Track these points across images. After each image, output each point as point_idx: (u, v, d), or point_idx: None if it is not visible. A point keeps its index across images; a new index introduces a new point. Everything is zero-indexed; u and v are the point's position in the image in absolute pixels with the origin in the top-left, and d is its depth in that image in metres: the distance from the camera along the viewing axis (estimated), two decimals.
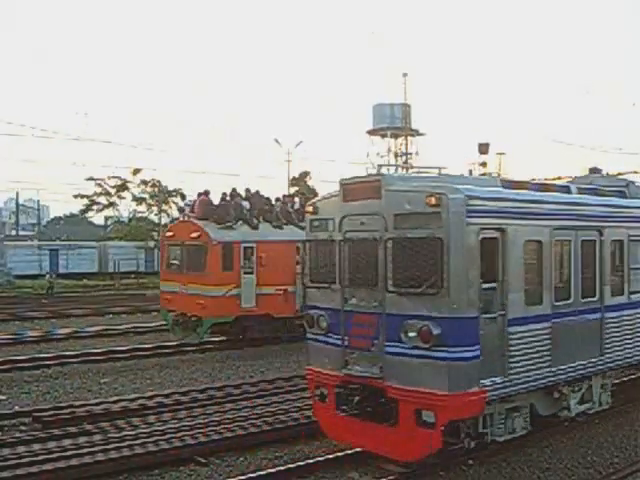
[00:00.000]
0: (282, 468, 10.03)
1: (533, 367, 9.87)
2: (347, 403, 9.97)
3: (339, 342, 9.93)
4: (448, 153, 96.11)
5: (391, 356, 9.25)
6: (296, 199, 24.54)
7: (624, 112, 78.16)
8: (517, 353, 9.61)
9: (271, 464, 10.33)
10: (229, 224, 20.95)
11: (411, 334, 9.02)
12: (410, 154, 64.08)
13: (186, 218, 22.52)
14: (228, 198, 21.83)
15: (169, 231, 23.43)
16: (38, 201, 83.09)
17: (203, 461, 10.47)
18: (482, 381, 9.06)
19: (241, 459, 10.66)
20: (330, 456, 10.50)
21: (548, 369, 10.12)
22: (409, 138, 64.00)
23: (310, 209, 10.79)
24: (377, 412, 9.63)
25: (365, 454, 10.55)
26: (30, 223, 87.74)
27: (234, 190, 22.41)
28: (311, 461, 10.31)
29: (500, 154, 51.62)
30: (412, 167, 63.03)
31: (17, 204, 79.88)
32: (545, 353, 10.07)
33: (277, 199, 23.63)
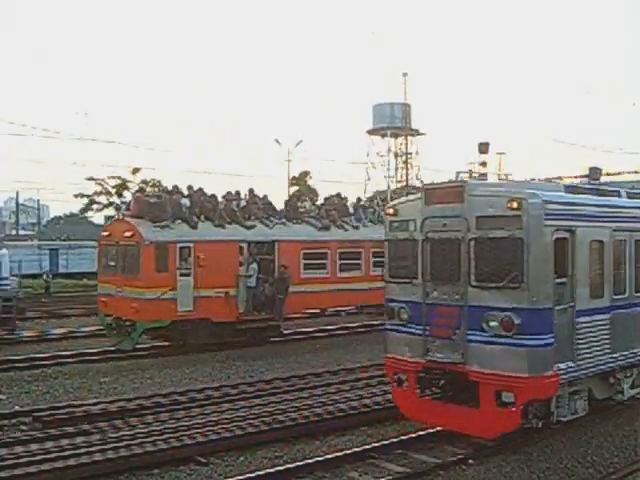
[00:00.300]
0: (282, 468, 10.00)
1: (597, 353, 10.98)
2: (429, 387, 11.12)
3: (420, 332, 10.85)
4: (448, 153, 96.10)
5: (473, 343, 10.25)
6: (242, 197, 22.89)
7: (624, 112, 78.21)
8: (583, 341, 10.68)
9: (271, 464, 10.30)
10: (165, 223, 19.73)
11: (493, 324, 10.04)
12: (410, 154, 64.16)
13: (121, 217, 21.36)
14: (168, 196, 20.65)
15: (105, 231, 22.05)
16: (38, 201, 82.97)
17: (203, 461, 10.45)
18: (556, 366, 10.11)
19: (241, 459, 10.64)
20: (330, 456, 10.48)
21: (608, 356, 11.21)
22: (409, 138, 64.09)
23: (390, 211, 11.80)
24: (458, 394, 10.69)
25: (363, 453, 10.61)
26: (30, 223, 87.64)
27: (175, 187, 21.50)
28: (311, 461, 10.29)
29: (500, 154, 51.80)
30: (412, 167, 63.30)
31: (17, 204, 79.82)
32: (606, 341, 11.15)
33: (223, 196, 22.33)
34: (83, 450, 10.39)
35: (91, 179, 62.33)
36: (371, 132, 63.85)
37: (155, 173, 61.84)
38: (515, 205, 9.84)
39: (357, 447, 10.91)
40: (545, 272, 9.97)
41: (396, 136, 64.16)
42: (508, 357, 9.90)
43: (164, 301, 19.24)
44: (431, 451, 10.89)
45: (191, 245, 19.79)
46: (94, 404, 13.34)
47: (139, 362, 18.72)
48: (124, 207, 22.05)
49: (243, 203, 22.47)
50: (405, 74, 61.02)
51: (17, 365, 17.94)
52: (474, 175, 12.63)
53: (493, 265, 10.12)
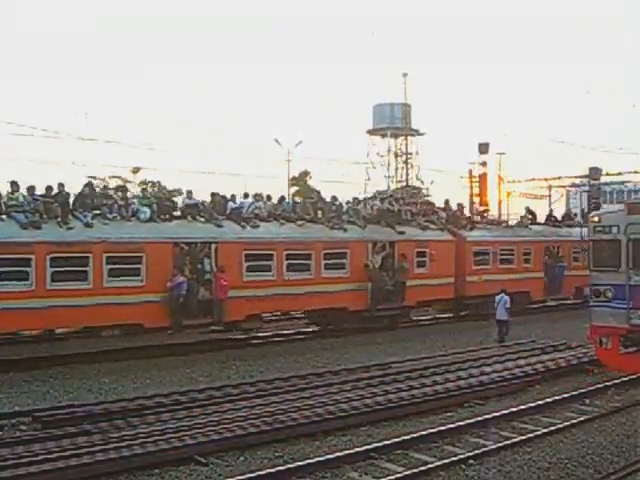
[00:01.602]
0: (282, 468, 10.00)
1: None
2: (630, 345, 14.98)
3: (624, 305, 14.80)
4: (448, 153, 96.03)
5: None
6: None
7: (624, 112, 78.27)
8: None
9: (271, 464, 10.29)
10: None
11: None
12: (410, 154, 64.10)
13: None
14: None
15: None
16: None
17: (203, 461, 10.44)
18: None
19: (241, 459, 10.63)
20: (330, 456, 10.48)
21: None
22: (409, 138, 63.97)
23: (595, 219, 15.68)
24: None
25: (363, 453, 10.63)
26: None
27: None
28: (311, 461, 10.29)
29: (500, 154, 51.85)
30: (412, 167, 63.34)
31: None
32: None
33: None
34: (84, 450, 10.40)
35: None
36: (371, 132, 63.73)
37: (156, 173, 61.73)
38: None
39: (357, 447, 10.90)
40: None
41: (396, 136, 64.05)
42: None
43: None
44: (431, 451, 10.91)
45: None
46: (96, 404, 13.33)
47: (139, 362, 18.72)
48: None
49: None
50: (405, 74, 61.04)
51: (20, 364, 17.90)
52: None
53: None
